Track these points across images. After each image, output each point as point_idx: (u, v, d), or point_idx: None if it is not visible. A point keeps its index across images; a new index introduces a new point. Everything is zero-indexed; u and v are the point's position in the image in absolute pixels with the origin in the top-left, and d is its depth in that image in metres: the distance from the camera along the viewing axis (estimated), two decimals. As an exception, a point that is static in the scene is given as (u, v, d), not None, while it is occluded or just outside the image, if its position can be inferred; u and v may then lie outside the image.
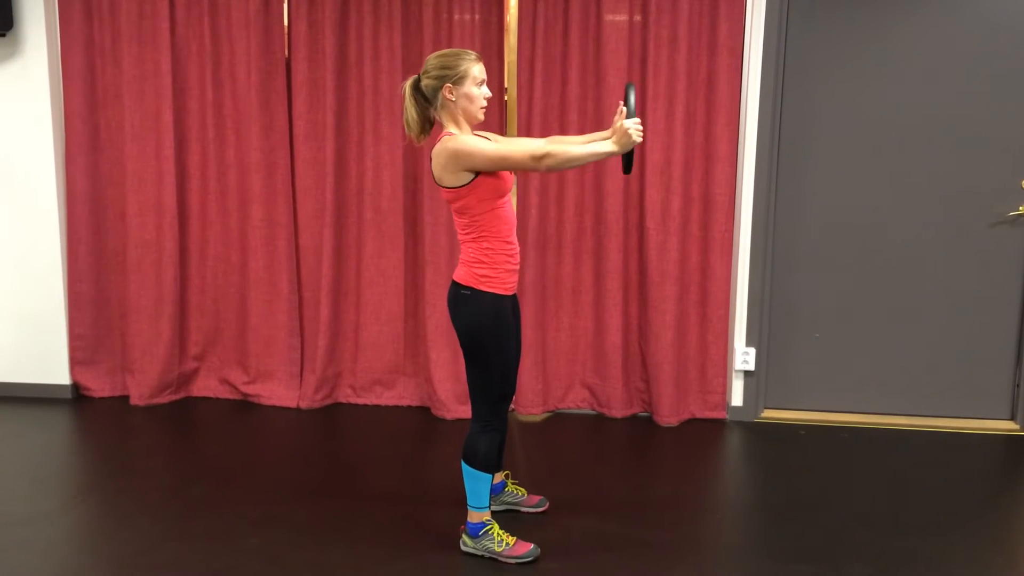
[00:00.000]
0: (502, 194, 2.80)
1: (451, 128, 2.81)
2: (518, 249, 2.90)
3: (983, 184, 4.15)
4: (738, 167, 4.19)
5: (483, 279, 2.80)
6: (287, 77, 4.34)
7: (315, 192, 4.42)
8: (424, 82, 2.80)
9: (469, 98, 2.78)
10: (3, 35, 4.27)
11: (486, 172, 2.73)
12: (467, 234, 2.82)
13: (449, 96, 2.77)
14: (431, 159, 2.79)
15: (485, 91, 2.82)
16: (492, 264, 2.81)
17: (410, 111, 2.83)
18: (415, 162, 4.37)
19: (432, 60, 2.79)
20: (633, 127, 2.68)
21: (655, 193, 4.17)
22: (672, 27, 4.07)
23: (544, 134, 4.20)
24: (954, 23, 4.05)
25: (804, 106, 4.19)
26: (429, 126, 2.89)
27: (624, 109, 2.75)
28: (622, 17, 4.11)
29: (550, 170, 2.70)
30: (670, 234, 4.20)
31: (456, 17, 4.19)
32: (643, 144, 4.16)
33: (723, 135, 4.13)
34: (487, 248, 2.81)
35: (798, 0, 4.12)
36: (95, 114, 4.44)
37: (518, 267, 2.91)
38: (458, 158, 2.69)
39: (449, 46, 4.20)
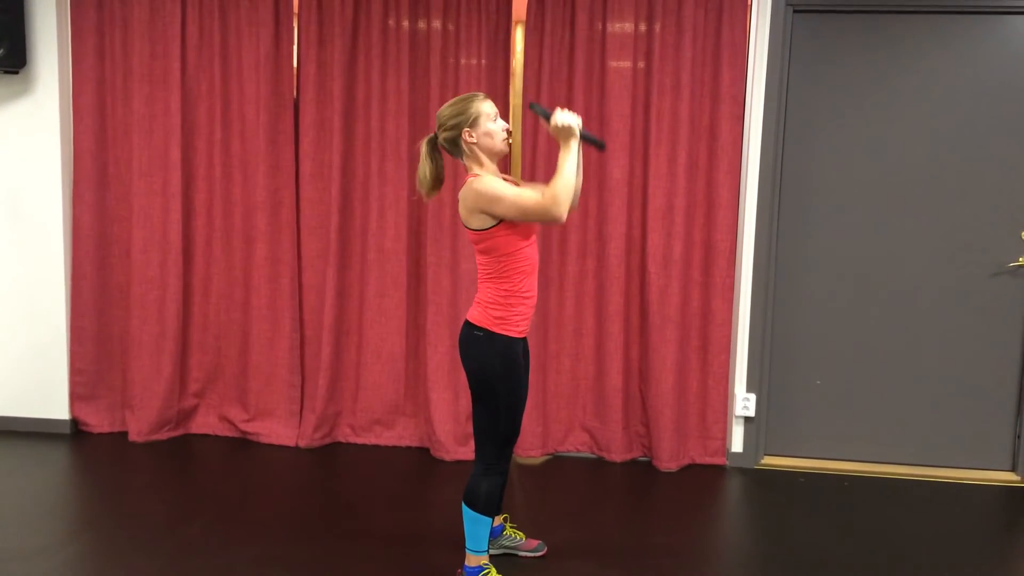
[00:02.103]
0: (527, 236, 2.83)
1: (476, 170, 2.84)
2: (536, 293, 2.91)
3: (983, 234, 4.18)
4: (739, 213, 4.22)
5: (498, 321, 2.81)
6: (295, 118, 4.40)
7: (319, 231, 4.45)
8: (442, 136, 2.84)
9: (489, 135, 2.81)
10: (16, 72, 4.33)
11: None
12: (488, 274, 2.83)
13: (470, 139, 2.80)
14: (458, 201, 2.81)
15: (501, 123, 2.85)
16: (508, 306, 2.82)
17: (425, 168, 2.86)
18: (419, 204, 4.41)
19: (443, 113, 2.83)
20: (559, 118, 2.69)
21: (657, 238, 4.20)
22: (675, 74, 4.14)
23: (547, 178, 4.24)
24: (954, 74, 4.12)
25: (805, 154, 4.24)
26: (439, 184, 2.91)
27: (547, 123, 2.77)
28: (626, 64, 4.18)
29: (560, 216, 2.66)
30: (672, 278, 4.22)
31: (463, 62, 4.25)
32: (645, 189, 4.20)
33: (725, 181, 4.17)
34: (506, 290, 2.82)
35: (800, 49, 4.19)
36: (104, 151, 4.49)
37: (533, 311, 2.93)
38: (481, 200, 2.71)
39: (456, 90, 4.26)
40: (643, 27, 4.17)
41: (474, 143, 2.81)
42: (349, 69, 4.32)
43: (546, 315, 4.35)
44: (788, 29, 4.13)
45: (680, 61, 4.12)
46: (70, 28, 4.39)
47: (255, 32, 4.33)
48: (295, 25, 4.34)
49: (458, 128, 2.80)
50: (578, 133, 2.74)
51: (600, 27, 4.18)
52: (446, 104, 2.86)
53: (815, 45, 4.18)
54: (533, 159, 4.26)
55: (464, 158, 2.86)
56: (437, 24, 4.25)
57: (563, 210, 2.66)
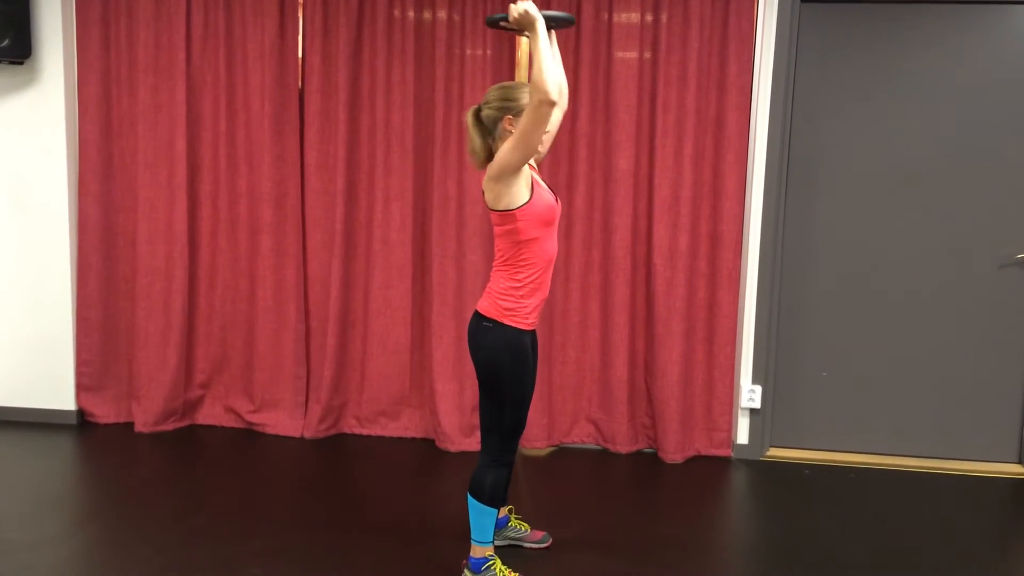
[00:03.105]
0: (549, 222, 2.81)
1: None
2: (549, 287, 2.90)
3: (991, 226, 4.16)
4: (746, 204, 4.21)
5: (507, 312, 2.80)
6: (300, 109, 4.39)
7: (324, 222, 4.45)
8: (484, 112, 2.82)
9: None
10: (21, 63, 4.33)
11: (535, 196, 2.74)
12: (503, 260, 2.82)
13: (509, 128, 2.78)
14: (483, 186, 2.79)
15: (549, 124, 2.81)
16: (519, 298, 2.81)
17: (475, 140, 2.83)
18: (424, 195, 4.40)
19: (494, 92, 2.81)
20: (514, 9, 2.61)
21: (663, 229, 4.19)
22: (682, 65, 4.12)
23: (553, 168, 4.23)
24: (962, 64, 4.09)
25: (812, 144, 4.22)
26: (491, 155, 2.85)
27: (503, 21, 2.72)
28: (632, 54, 4.16)
29: (548, 94, 2.51)
30: (677, 270, 4.21)
31: (468, 52, 4.24)
32: (651, 180, 4.19)
33: (731, 172, 4.16)
34: (519, 280, 2.81)
35: (807, 40, 4.16)
36: (109, 142, 4.49)
37: (543, 305, 2.92)
38: (500, 159, 2.67)
39: (461, 81, 4.24)
40: (649, 17, 4.15)
41: (511, 133, 2.78)
42: (354, 59, 4.31)
43: (552, 306, 4.34)
44: (795, 19, 4.11)
45: (687, 51, 4.10)
46: (75, 19, 4.39)
47: (260, 22, 4.32)
48: (300, 15, 4.33)
49: (502, 112, 2.77)
50: (540, 16, 2.62)
51: (606, 17, 4.16)
52: (503, 84, 2.83)
53: (823, 35, 4.15)
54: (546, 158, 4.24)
55: (496, 141, 2.82)
56: (442, 14, 4.23)
57: (549, 90, 2.52)
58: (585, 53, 4.16)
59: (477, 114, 2.85)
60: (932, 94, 4.13)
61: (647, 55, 4.18)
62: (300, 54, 4.36)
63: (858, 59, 4.15)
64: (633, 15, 4.15)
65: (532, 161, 2.89)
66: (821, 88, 4.19)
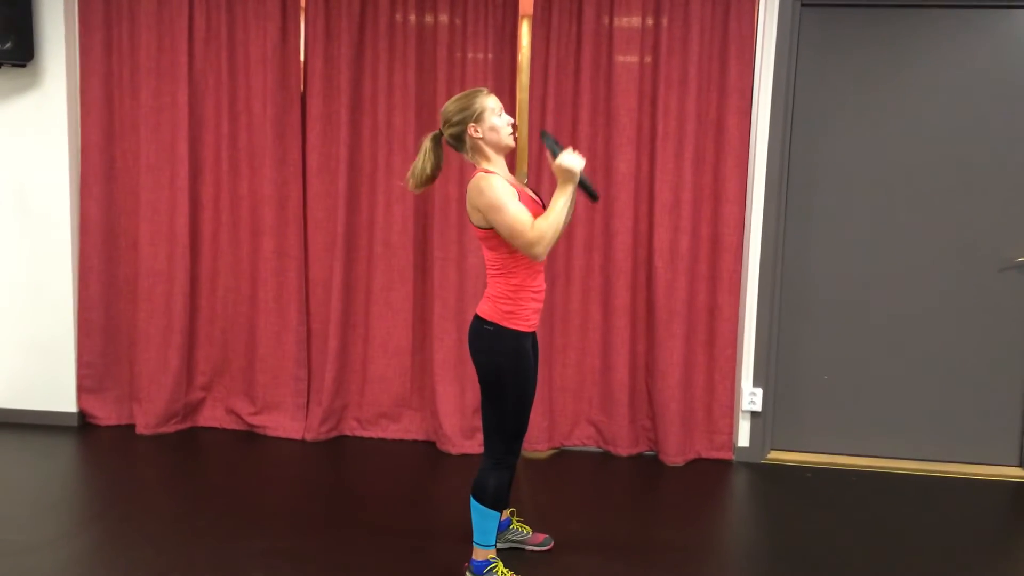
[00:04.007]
0: None
1: (484, 164, 2.85)
2: (545, 288, 2.92)
3: (991, 229, 4.17)
4: (747, 208, 4.21)
5: (507, 315, 2.81)
6: (302, 111, 4.40)
7: (326, 225, 4.45)
8: (447, 132, 2.84)
9: (495, 130, 2.81)
10: (23, 66, 4.34)
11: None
12: (496, 270, 2.83)
13: (476, 134, 2.80)
14: (467, 194, 2.81)
15: (506, 118, 2.85)
16: (517, 300, 2.82)
17: (423, 163, 2.86)
18: (426, 198, 4.41)
19: (448, 108, 2.83)
20: (567, 159, 2.69)
21: (664, 232, 4.19)
22: (682, 69, 4.13)
23: (551, 179, 4.22)
24: (962, 68, 4.10)
25: (813, 148, 4.23)
26: (431, 181, 2.90)
27: (551, 157, 2.77)
28: (633, 58, 4.17)
29: (539, 255, 2.69)
30: (678, 273, 4.21)
31: (469, 56, 4.25)
32: (652, 183, 4.20)
33: (732, 176, 4.17)
34: (515, 284, 2.82)
35: (807, 44, 4.17)
36: (111, 145, 4.49)
37: (542, 305, 2.93)
38: (481, 200, 2.72)
39: (462, 84, 4.25)
40: (650, 21, 4.16)
41: (480, 138, 2.81)
42: (356, 63, 4.32)
43: (552, 309, 4.34)
44: (796, 23, 4.12)
45: (687, 55, 4.11)
46: (77, 22, 4.40)
47: (262, 26, 4.33)
48: (302, 19, 4.34)
49: (463, 124, 2.80)
50: (578, 179, 2.73)
51: (607, 21, 4.17)
52: (450, 100, 2.86)
53: (823, 39, 4.16)
54: (540, 156, 4.25)
55: (470, 154, 2.86)
56: (444, 18, 4.24)
57: (544, 249, 2.67)
58: (586, 57, 4.17)
59: (438, 139, 2.88)
60: (932, 97, 4.14)
61: (648, 59, 4.19)
62: (302, 57, 4.37)
63: (858, 62, 4.16)
64: (634, 19, 4.16)
65: (510, 176, 2.90)
66: (821, 91, 4.20)
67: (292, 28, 4.34)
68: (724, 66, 4.14)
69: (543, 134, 2.87)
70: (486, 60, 4.25)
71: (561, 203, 2.70)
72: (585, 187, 2.79)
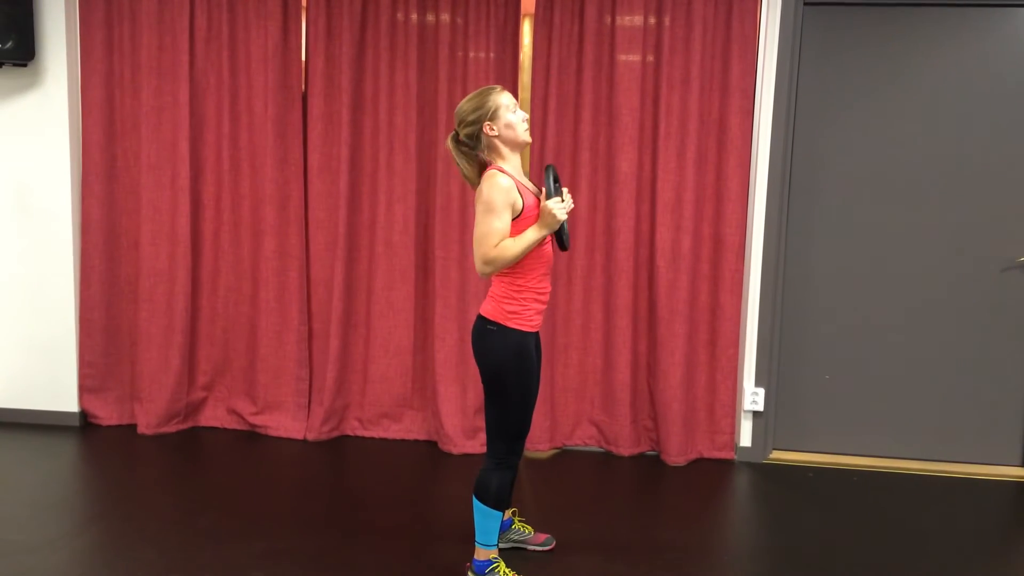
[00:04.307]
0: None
1: (498, 162, 2.85)
2: (550, 289, 2.92)
3: (993, 229, 4.16)
4: (749, 207, 4.21)
5: (511, 315, 2.81)
6: (303, 111, 4.39)
7: (327, 225, 4.45)
8: (463, 132, 2.84)
9: (511, 126, 2.81)
10: (25, 65, 4.33)
11: (525, 209, 2.78)
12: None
13: (491, 132, 2.80)
14: (475, 204, 2.82)
15: (521, 113, 2.85)
16: (521, 301, 2.82)
17: (462, 164, 2.89)
18: (427, 197, 4.41)
19: (463, 108, 2.83)
20: (554, 207, 2.73)
21: (666, 232, 4.19)
22: (685, 68, 4.12)
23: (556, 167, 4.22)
24: (965, 67, 4.09)
25: (815, 147, 4.22)
26: (482, 170, 2.90)
27: (543, 191, 2.80)
28: (635, 57, 4.16)
29: (482, 272, 2.75)
30: (680, 272, 4.21)
31: (471, 55, 4.25)
32: (654, 183, 4.19)
33: (734, 175, 4.16)
34: (519, 284, 2.82)
35: (810, 43, 4.17)
36: (112, 144, 4.49)
37: (546, 306, 2.92)
38: (482, 195, 2.74)
39: (464, 83, 4.25)
40: (652, 20, 4.15)
41: (495, 136, 2.81)
42: (357, 62, 4.31)
43: (554, 309, 4.34)
44: (798, 22, 4.11)
45: (690, 55, 4.10)
46: (79, 21, 4.39)
47: (263, 25, 4.33)
48: (303, 18, 4.34)
49: (479, 122, 2.80)
50: (555, 228, 2.76)
51: (609, 20, 4.16)
52: (464, 99, 2.86)
53: (826, 38, 4.16)
54: (541, 151, 4.25)
55: (485, 152, 2.85)
56: (446, 17, 4.23)
57: (490, 270, 2.74)
58: (588, 56, 4.16)
59: (456, 139, 2.88)
60: (935, 96, 4.13)
61: (650, 58, 4.18)
62: (303, 57, 4.37)
63: (861, 62, 4.15)
64: (636, 18, 4.15)
65: (519, 175, 2.89)
66: (824, 91, 4.19)
67: (293, 27, 4.34)
68: (726, 65, 4.13)
69: (548, 168, 2.87)
70: (488, 59, 4.24)
71: (530, 239, 2.74)
72: (560, 235, 2.85)
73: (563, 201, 2.78)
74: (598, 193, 4.27)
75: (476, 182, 2.88)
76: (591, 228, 4.30)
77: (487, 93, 2.82)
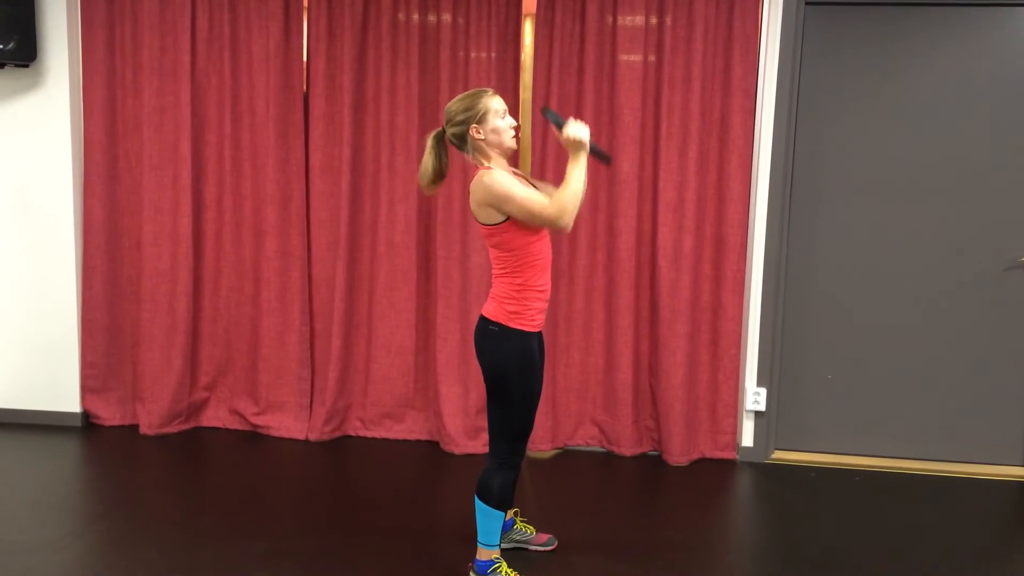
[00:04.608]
0: (538, 231, 2.82)
1: (485, 163, 2.84)
2: (550, 287, 2.91)
3: (996, 229, 4.16)
4: (750, 207, 4.20)
5: (513, 316, 2.80)
6: (305, 111, 4.39)
7: (329, 225, 4.45)
8: (450, 131, 2.83)
9: (497, 132, 2.80)
10: (26, 66, 4.34)
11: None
12: (502, 269, 2.83)
13: (477, 135, 2.79)
14: (470, 194, 2.81)
15: (510, 120, 2.85)
16: (522, 300, 2.82)
17: (428, 161, 2.86)
18: (429, 197, 4.40)
19: (452, 107, 2.83)
20: (573, 131, 2.70)
21: (667, 232, 4.19)
22: (686, 68, 4.12)
23: (557, 171, 4.23)
24: (967, 67, 4.09)
25: (817, 147, 4.22)
26: (441, 178, 2.90)
27: (557, 131, 2.78)
28: (636, 57, 4.16)
29: (566, 226, 2.70)
30: (682, 272, 4.20)
31: (472, 55, 4.24)
32: (656, 183, 4.19)
33: (736, 175, 4.16)
34: (520, 284, 2.81)
35: (812, 42, 4.16)
36: (114, 144, 4.49)
37: (547, 305, 2.92)
38: (490, 195, 2.72)
39: (466, 83, 4.25)
40: (654, 20, 4.15)
41: (482, 139, 2.80)
42: (359, 63, 4.31)
43: (556, 309, 4.34)
44: (800, 22, 4.11)
45: (691, 54, 4.10)
46: (80, 21, 4.40)
47: (265, 25, 4.33)
48: (304, 18, 4.33)
49: (466, 124, 2.79)
50: (588, 146, 2.74)
51: (610, 20, 4.16)
52: (454, 99, 2.86)
53: (827, 38, 4.15)
54: (543, 154, 4.25)
55: (472, 154, 2.85)
56: (447, 17, 4.23)
57: (569, 220, 2.68)
58: (589, 56, 4.16)
59: (440, 137, 2.87)
60: (937, 96, 4.12)
61: (651, 58, 4.17)
62: (305, 57, 4.37)
63: (863, 61, 4.14)
64: (637, 18, 4.15)
65: (519, 171, 2.90)
66: (826, 90, 4.18)
67: (295, 28, 4.34)
68: (728, 65, 4.13)
69: (545, 110, 2.86)
70: (489, 59, 4.24)
71: (576, 173, 2.72)
72: (597, 153, 2.81)
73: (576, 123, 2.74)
74: (600, 193, 4.27)
75: (428, 182, 2.86)
76: (593, 228, 4.30)
77: (478, 96, 2.81)
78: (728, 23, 4.10)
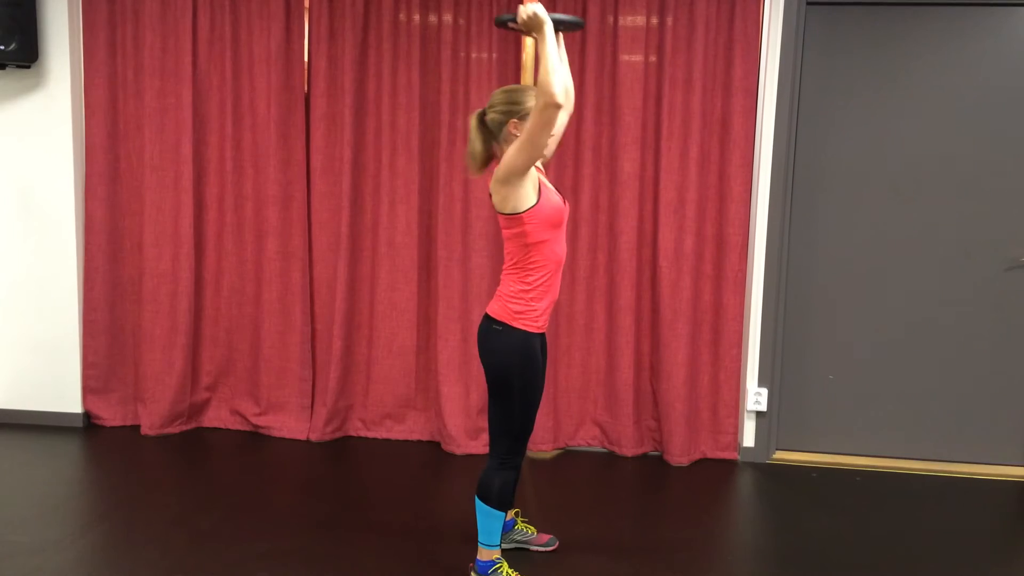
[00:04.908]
0: (557, 224, 2.81)
1: None
2: (558, 290, 2.90)
3: (997, 229, 4.16)
4: (752, 207, 4.20)
5: (518, 316, 2.80)
6: (306, 112, 4.40)
7: (330, 225, 4.45)
8: (489, 116, 2.81)
9: None
10: (28, 67, 4.34)
11: (543, 199, 2.73)
12: (513, 264, 2.82)
13: (515, 132, 2.77)
14: (490, 189, 2.78)
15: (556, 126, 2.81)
16: (528, 301, 2.81)
17: (475, 144, 2.83)
18: (430, 197, 4.41)
19: (499, 95, 2.80)
20: (524, 11, 2.57)
21: (668, 232, 4.19)
22: (687, 68, 4.12)
23: (559, 171, 4.23)
24: (968, 66, 4.08)
25: (818, 147, 4.22)
26: (489, 160, 2.87)
27: (512, 22, 2.69)
28: (637, 58, 4.16)
29: (554, 97, 2.51)
30: (683, 273, 4.20)
31: (473, 56, 4.25)
32: (657, 183, 4.19)
33: (737, 175, 4.16)
34: (528, 283, 2.80)
35: (813, 43, 4.16)
36: (116, 145, 4.50)
37: (553, 307, 2.91)
38: (504, 164, 2.67)
39: (466, 84, 4.25)
40: (655, 20, 4.15)
41: (517, 136, 2.77)
42: (360, 63, 4.31)
43: (557, 309, 4.34)
44: (801, 22, 4.11)
45: (692, 55, 4.10)
46: (81, 22, 4.40)
47: (266, 26, 4.33)
48: (306, 19, 4.34)
49: (507, 115, 2.77)
50: (548, 19, 2.59)
51: (611, 20, 4.16)
52: (507, 88, 2.82)
53: (828, 38, 4.15)
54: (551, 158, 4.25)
55: (502, 144, 2.82)
56: (448, 18, 4.24)
57: (555, 92, 2.51)
58: (591, 56, 4.16)
59: (482, 118, 2.84)
60: (938, 96, 4.12)
61: (652, 58, 4.18)
62: (306, 58, 4.37)
63: (864, 61, 4.14)
64: (639, 18, 4.15)
65: (539, 163, 2.89)
66: (827, 90, 4.18)
67: (296, 28, 4.34)
68: (729, 65, 4.13)
69: (496, 20, 2.76)
70: (490, 60, 4.24)
71: (547, 49, 2.54)
72: (563, 22, 2.72)
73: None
74: (601, 193, 4.27)
75: (478, 166, 2.85)
76: (594, 228, 4.30)
77: (527, 93, 2.76)
78: (729, 23, 4.10)
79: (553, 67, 2.52)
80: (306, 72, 4.38)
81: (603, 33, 4.17)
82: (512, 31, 2.77)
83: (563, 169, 4.24)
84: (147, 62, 4.36)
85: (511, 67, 4.27)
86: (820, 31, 4.15)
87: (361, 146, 4.39)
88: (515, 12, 2.66)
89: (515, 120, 2.76)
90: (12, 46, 4.19)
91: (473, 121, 2.84)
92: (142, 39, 4.38)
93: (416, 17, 4.26)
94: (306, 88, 4.39)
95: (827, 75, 4.17)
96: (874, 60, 4.14)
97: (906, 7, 4.08)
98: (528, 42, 4.23)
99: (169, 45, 4.37)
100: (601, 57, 4.19)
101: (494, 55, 4.24)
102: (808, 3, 4.11)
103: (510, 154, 2.66)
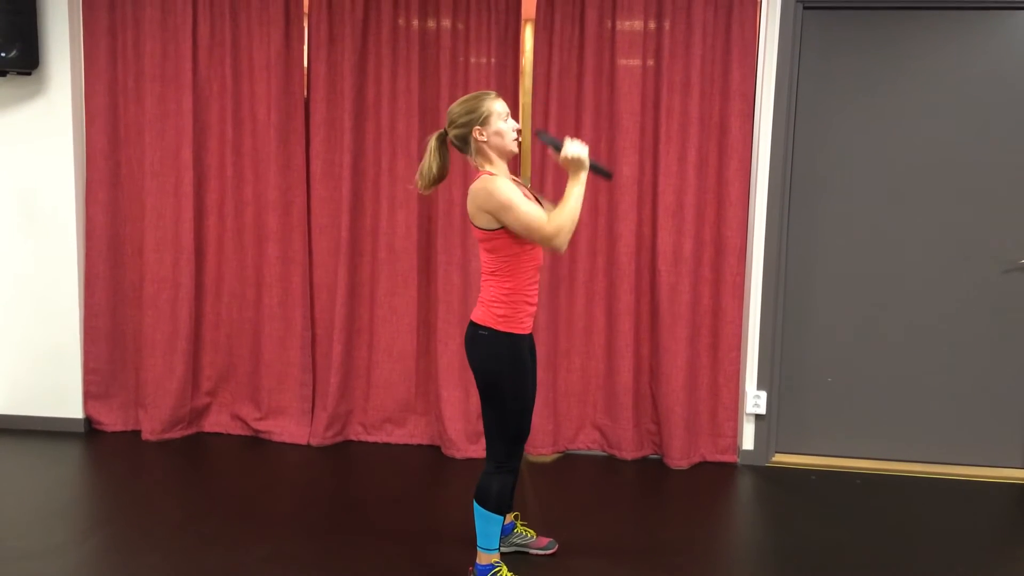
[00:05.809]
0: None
1: (488, 167, 2.85)
2: (538, 291, 2.92)
3: (995, 231, 4.16)
4: (750, 210, 4.22)
5: (501, 319, 2.82)
6: (306, 117, 4.41)
7: (330, 230, 4.46)
8: (452, 133, 2.85)
9: (500, 134, 2.82)
10: (29, 74, 4.36)
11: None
12: (492, 272, 2.84)
13: (480, 138, 2.81)
14: (468, 197, 2.81)
15: (512, 123, 2.86)
16: (511, 304, 2.83)
17: (430, 163, 2.87)
18: (430, 202, 4.42)
19: (454, 110, 2.84)
20: (572, 150, 2.70)
21: (667, 236, 4.20)
22: (685, 72, 4.13)
23: (557, 178, 4.24)
24: (965, 69, 4.10)
25: (816, 150, 4.23)
26: (440, 180, 2.91)
27: (555, 153, 2.79)
28: (636, 62, 4.17)
29: (560, 247, 2.69)
30: (682, 276, 4.21)
31: (472, 60, 4.26)
32: (655, 187, 4.20)
33: (735, 178, 4.17)
34: (509, 288, 2.82)
35: (810, 46, 4.18)
36: (116, 151, 4.51)
37: (536, 308, 2.93)
38: (490, 202, 2.72)
39: (466, 88, 4.26)
40: (652, 25, 4.16)
41: (484, 142, 2.82)
42: (359, 68, 4.33)
43: (556, 313, 4.35)
44: (798, 26, 4.12)
45: (690, 59, 4.12)
46: (82, 29, 4.42)
47: (266, 32, 4.35)
48: (305, 25, 4.35)
49: (469, 126, 2.81)
50: (587, 164, 2.74)
51: (610, 25, 4.18)
52: (458, 101, 2.87)
53: (825, 42, 4.17)
54: (542, 163, 4.26)
55: (474, 156, 2.87)
56: (447, 23, 4.25)
57: (564, 240, 2.68)
58: (589, 61, 4.18)
59: (443, 138, 2.88)
60: (935, 99, 4.13)
61: (650, 63, 4.19)
62: (306, 63, 4.38)
63: (861, 65, 4.16)
64: (636, 23, 4.16)
65: (513, 176, 2.91)
66: (824, 94, 4.20)
67: (295, 34, 4.36)
68: (726, 69, 4.14)
69: (540, 133, 2.89)
70: (489, 64, 4.25)
71: (576, 193, 2.72)
72: (597, 169, 2.81)
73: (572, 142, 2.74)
74: (600, 197, 4.28)
75: (426, 184, 2.88)
76: (593, 232, 4.31)
77: (481, 98, 2.82)
78: (726, 28, 4.12)
79: (574, 213, 2.68)
80: (306, 77, 4.40)
81: (601, 37, 4.18)
82: (545, 144, 2.83)
83: (561, 174, 4.25)
84: (147, 68, 4.37)
85: (509, 71, 4.29)
86: (817, 35, 4.17)
87: (361, 151, 4.40)
88: (560, 139, 2.73)
89: (477, 127, 2.80)
90: (13, 53, 4.21)
91: (433, 143, 2.88)
92: (142, 46, 4.39)
93: (415, 22, 4.28)
94: (306, 93, 4.41)
95: (824, 78, 4.19)
96: (871, 63, 4.15)
97: (902, 10, 4.10)
98: (528, 45, 4.26)
99: (169, 51, 4.38)
100: (599, 62, 4.20)
101: (492, 60, 4.25)
102: (805, 7, 4.13)
103: (504, 219, 2.71)
